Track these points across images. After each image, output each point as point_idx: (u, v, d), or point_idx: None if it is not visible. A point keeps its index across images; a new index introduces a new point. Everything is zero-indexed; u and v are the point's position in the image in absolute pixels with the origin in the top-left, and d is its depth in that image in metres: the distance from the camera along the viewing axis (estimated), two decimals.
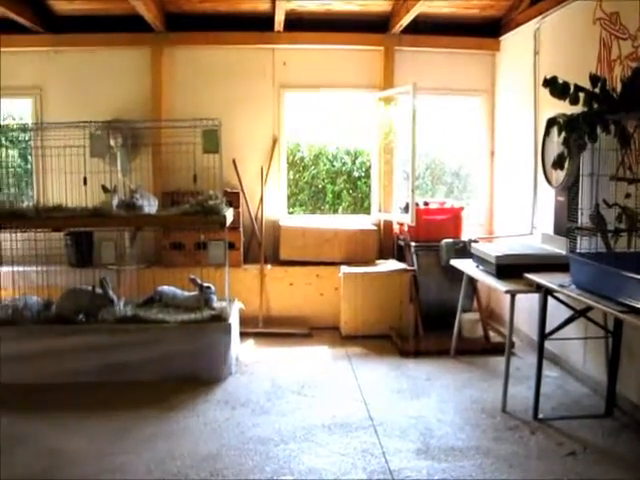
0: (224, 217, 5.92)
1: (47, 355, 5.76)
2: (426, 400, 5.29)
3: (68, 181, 6.11)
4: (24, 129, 7.14)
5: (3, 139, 9.68)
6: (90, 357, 5.77)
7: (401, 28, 7.30)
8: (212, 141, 5.90)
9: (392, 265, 7.28)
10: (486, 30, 7.63)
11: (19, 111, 8.60)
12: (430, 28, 7.52)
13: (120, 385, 5.66)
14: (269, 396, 5.43)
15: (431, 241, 7.05)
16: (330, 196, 8.87)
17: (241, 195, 7.53)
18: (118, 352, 5.79)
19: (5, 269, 6.42)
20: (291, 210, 8.38)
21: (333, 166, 8.87)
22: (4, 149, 9.97)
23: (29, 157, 8.02)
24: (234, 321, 6.15)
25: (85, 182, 5.98)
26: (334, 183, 8.86)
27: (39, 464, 4.28)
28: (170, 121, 6.40)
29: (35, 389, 5.58)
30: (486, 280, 5.43)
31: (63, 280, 6.43)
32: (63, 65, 7.65)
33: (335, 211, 8.80)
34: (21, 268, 6.36)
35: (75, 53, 7.62)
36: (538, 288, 4.82)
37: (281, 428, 4.76)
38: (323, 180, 8.89)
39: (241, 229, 7.45)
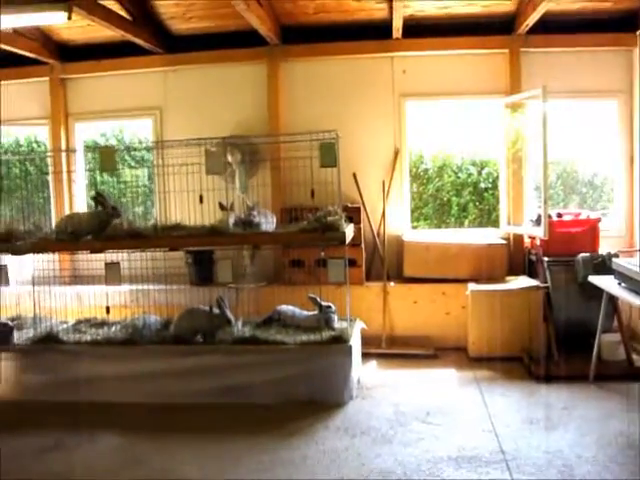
0: (343, 234, 5.68)
1: (164, 375, 5.75)
2: (563, 432, 4.78)
3: (187, 199, 6.04)
4: (144, 148, 7.20)
5: (129, 159, 9.96)
6: (207, 378, 5.70)
7: (527, 28, 6.86)
8: (329, 155, 5.68)
9: (523, 282, 6.80)
10: (622, 25, 7.02)
11: (141, 131, 8.78)
12: (558, 26, 7.01)
13: (237, 407, 5.53)
14: (392, 424, 5.10)
15: (565, 255, 6.50)
16: (455, 209, 8.47)
17: (362, 210, 7.29)
18: (235, 374, 5.68)
19: (127, 287, 6.45)
20: (415, 224, 8.06)
21: (458, 177, 8.48)
22: (130, 169, 10.26)
23: (152, 176, 8.14)
24: (355, 342, 5.88)
25: (201, 200, 5.90)
26: (459, 195, 8.45)
27: None
28: (286, 135, 6.25)
29: (151, 409, 5.57)
30: (631, 300, 4.89)
31: (184, 299, 6.38)
32: (181, 84, 7.76)
33: (461, 224, 8.38)
34: (143, 287, 6.35)
35: (192, 71, 7.70)
36: None
37: (404, 460, 4.43)
38: (448, 192, 8.50)
39: (363, 245, 7.20)
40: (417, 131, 7.87)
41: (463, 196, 8.43)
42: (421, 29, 7.08)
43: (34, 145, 9.92)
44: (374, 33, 7.14)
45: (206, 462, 4.55)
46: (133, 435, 5.07)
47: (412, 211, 7.92)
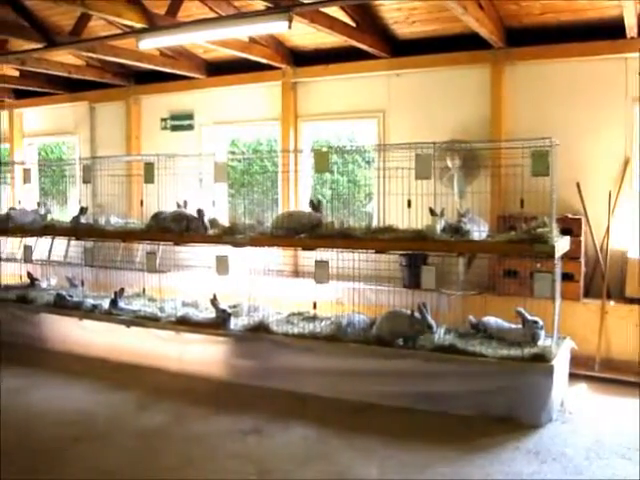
0: (552, 247, 5.36)
1: (362, 374, 5.90)
2: None
3: (403, 202, 6.06)
4: (354, 151, 7.38)
5: (360, 159, 10.25)
6: (403, 382, 5.75)
7: None
8: (542, 163, 5.40)
9: None
10: None
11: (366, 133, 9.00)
12: None
13: (427, 415, 5.50)
14: (588, 454, 4.75)
15: None
16: None
17: (584, 222, 6.84)
18: (432, 381, 5.66)
19: (341, 285, 6.68)
20: None
21: None
22: (361, 169, 10.55)
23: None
24: (560, 362, 5.55)
25: (409, 205, 5.93)
26: None
27: None
28: (499, 142, 6.02)
29: (345, 405, 5.74)
30: None
31: (395, 300, 6.38)
32: (404, 87, 7.85)
33: None
34: (355, 285, 6.47)
35: (415, 75, 7.75)
36: None
37: None
38: None
39: (582, 259, 6.76)
40: None
41: None
42: None
43: (272, 144, 10.55)
44: (605, 33, 6.63)
45: (388, 466, 4.60)
46: (324, 429, 5.26)
47: None
